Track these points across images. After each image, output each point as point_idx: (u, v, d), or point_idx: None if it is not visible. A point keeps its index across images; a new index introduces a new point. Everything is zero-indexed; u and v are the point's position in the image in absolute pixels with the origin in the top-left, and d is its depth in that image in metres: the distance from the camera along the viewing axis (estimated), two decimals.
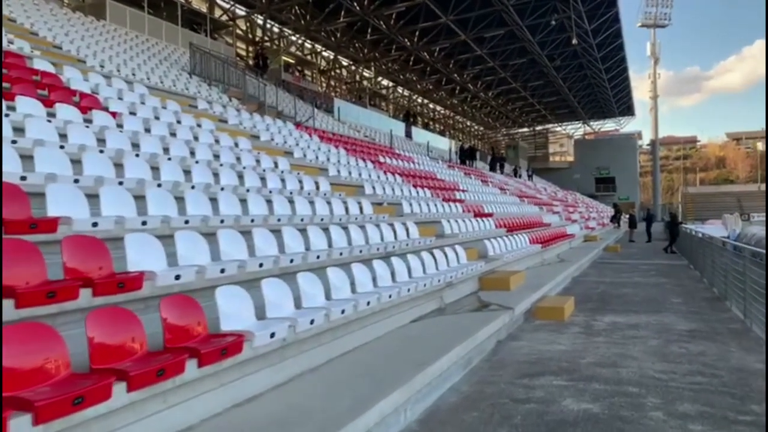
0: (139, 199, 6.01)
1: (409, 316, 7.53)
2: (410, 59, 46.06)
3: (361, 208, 10.60)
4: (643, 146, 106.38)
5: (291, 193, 9.46)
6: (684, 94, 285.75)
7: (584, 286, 13.94)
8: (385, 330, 6.71)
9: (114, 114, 9.47)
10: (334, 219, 8.99)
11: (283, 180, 9.99)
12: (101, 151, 7.39)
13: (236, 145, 11.59)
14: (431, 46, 42.43)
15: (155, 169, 7.55)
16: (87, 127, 8.03)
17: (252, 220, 7.06)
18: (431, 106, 64.37)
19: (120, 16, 25.88)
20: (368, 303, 5.98)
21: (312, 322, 4.93)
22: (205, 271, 4.99)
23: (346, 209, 10.08)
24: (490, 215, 17.78)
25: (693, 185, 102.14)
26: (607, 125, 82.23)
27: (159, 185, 6.85)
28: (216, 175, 8.42)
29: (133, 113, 10.39)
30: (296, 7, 37.28)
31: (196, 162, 8.70)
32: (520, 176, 49.33)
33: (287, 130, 16.56)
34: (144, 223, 5.56)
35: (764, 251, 8.41)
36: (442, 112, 66.81)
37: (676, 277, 15.81)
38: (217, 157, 9.77)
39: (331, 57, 46.33)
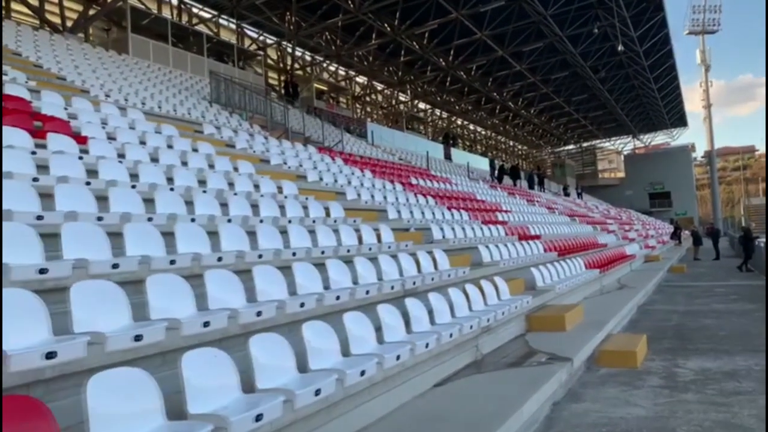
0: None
1: (432, 377, 5.69)
2: (447, 79, 44.54)
3: (378, 237, 8.86)
4: (698, 158, 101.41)
5: (290, 221, 7.83)
6: (738, 103, 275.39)
7: (654, 318, 11.74)
8: (394, 403, 4.89)
9: (85, 139, 8.08)
10: (340, 250, 7.27)
11: (282, 207, 8.37)
12: (87, 183, 6.08)
13: (235, 169, 10.09)
14: (467, 64, 40.82)
15: (149, 201, 6.21)
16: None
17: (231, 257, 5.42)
18: (471, 127, 62.55)
19: (143, 49, 25.28)
20: (362, 373, 4.18)
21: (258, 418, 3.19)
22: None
23: (359, 238, 8.36)
24: (537, 237, 15.75)
25: (755, 196, 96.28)
26: (659, 138, 78.55)
27: (150, 219, 5.65)
28: (189, 203, 6.84)
29: (112, 138, 9.02)
30: (326, 33, 36.44)
31: (170, 188, 7.17)
32: (568, 195, 46.75)
33: (307, 154, 15.07)
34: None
35: None
36: (483, 132, 64.86)
37: (763, 301, 13.37)
38: (202, 182, 8.24)
39: (366, 83, 45.29)
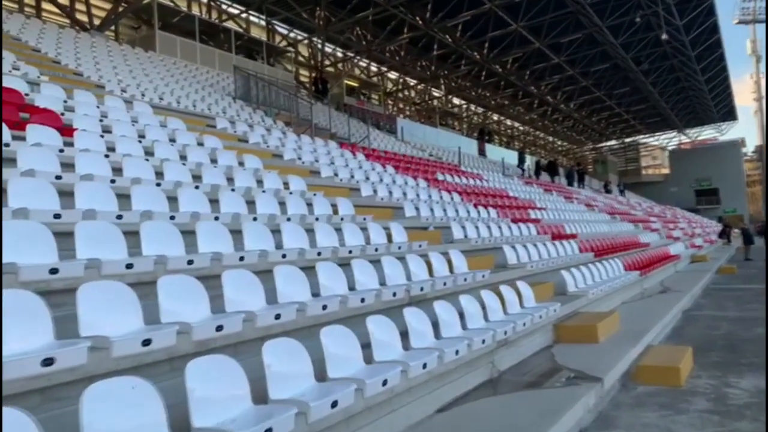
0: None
1: (433, 402, 4.88)
2: (481, 73, 43.28)
3: (388, 236, 8.07)
4: (748, 154, 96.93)
5: (289, 218, 7.12)
6: None
7: (701, 326, 10.62)
8: None
9: (72, 131, 7.54)
10: (341, 251, 6.52)
11: (282, 203, 7.66)
12: (58, 177, 5.51)
13: (240, 164, 9.45)
14: (503, 57, 39.52)
15: (124, 197, 5.73)
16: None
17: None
18: (508, 122, 61.06)
19: (170, 46, 25.08)
20: (333, 405, 3.41)
21: None
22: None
23: (367, 238, 7.59)
24: (572, 237, 14.71)
25: None
26: (706, 133, 75.28)
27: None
28: (173, 200, 6.19)
29: (108, 131, 8.48)
30: (357, 28, 35.78)
31: (157, 182, 6.55)
32: (610, 192, 44.97)
33: (326, 149, 14.38)
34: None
35: None
36: (521, 128, 63.25)
37: None
38: (197, 178, 7.60)
39: (398, 78, 44.49)
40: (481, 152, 39.56)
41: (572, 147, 75.19)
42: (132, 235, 4.81)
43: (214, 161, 8.99)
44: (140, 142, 8.45)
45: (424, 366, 4.41)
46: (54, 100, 8.90)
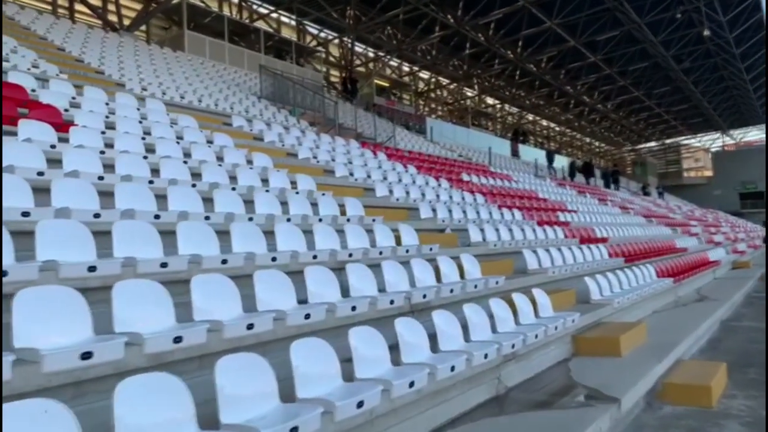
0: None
1: (425, 423, 4.42)
2: (515, 73, 42.42)
3: (397, 239, 7.63)
4: None
5: (289, 219, 6.74)
6: None
7: (739, 339, 9.86)
8: None
9: (67, 127, 7.32)
10: (339, 255, 6.11)
11: (284, 203, 7.30)
12: (40, 174, 5.40)
13: (249, 162, 9.14)
14: (537, 55, 38.60)
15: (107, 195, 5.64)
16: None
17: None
18: (544, 123, 59.83)
19: (199, 46, 25.12)
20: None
21: None
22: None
23: (372, 241, 7.17)
24: (602, 240, 14.01)
25: None
26: (751, 134, 72.31)
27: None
28: (162, 197, 5.87)
29: (111, 128, 8.26)
30: (388, 28, 35.40)
31: (149, 180, 6.26)
32: (648, 194, 43.55)
33: (345, 148, 14.01)
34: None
35: None
36: (557, 128, 61.91)
37: None
38: (196, 175, 7.30)
39: (431, 78, 43.94)
40: (515, 153, 38.74)
41: (610, 148, 73.31)
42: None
43: (220, 159, 8.70)
44: (144, 139, 8.20)
45: (411, 384, 3.96)
46: (60, 96, 8.74)
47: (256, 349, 3.83)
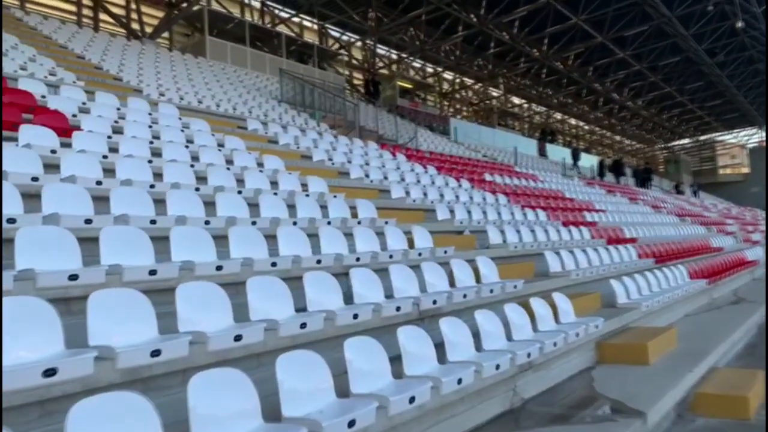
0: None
1: None
2: (542, 71, 41.69)
3: (410, 242, 7.31)
4: None
5: (295, 222, 6.48)
6: None
7: None
8: None
9: (70, 132, 7.20)
10: (346, 260, 5.82)
11: (292, 206, 7.05)
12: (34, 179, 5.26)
13: (260, 164, 8.93)
14: (563, 53, 37.81)
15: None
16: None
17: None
18: (573, 121, 58.76)
19: (220, 52, 25.19)
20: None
21: None
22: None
23: (383, 244, 6.87)
24: (631, 241, 13.46)
25: None
26: None
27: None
28: (160, 202, 5.66)
29: (118, 132, 8.13)
30: (411, 29, 35.11)
31: (150, 184, 6.07)
32: (682, 192, 42.32)
33: (362, 150, 13.75)
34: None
35: None
36: (586, 127, 60.75)
37: None
38: (202, 179, 7.10)
39: (455, 79, 43.46)
40: (542, 152, 38.03)
41: (642, 146, 71.68)
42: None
43: (229, 162, 8.50)
44: (152, 143, 8.05)
45: (411, 400, 3.64)
46: (69, 102, 8.65)
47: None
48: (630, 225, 15.73)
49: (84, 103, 9.09)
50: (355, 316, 4.60)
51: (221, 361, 3.58)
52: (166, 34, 27.55)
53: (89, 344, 3.24)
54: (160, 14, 26.04)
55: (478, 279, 6.85)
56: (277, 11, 31.96)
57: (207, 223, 5.61)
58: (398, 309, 5.05)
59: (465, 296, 5.94)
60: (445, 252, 7.33)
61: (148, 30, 24.64)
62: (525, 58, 38.98)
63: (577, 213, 14.99)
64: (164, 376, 3.42)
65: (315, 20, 33.48)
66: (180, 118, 10.52)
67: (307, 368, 3.54)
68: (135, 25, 24.98)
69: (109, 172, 6.23)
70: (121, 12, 25.52)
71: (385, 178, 11.22)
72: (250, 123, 12.41)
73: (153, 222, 5.16)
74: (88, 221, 4.73)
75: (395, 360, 4.17)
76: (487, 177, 16.26)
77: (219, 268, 4.66)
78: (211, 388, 2.98)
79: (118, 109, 9.56)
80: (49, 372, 2.79)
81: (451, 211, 9.94)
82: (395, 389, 3.74)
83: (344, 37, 35.69)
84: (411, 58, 37.73)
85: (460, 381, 4.09)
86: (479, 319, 5.11)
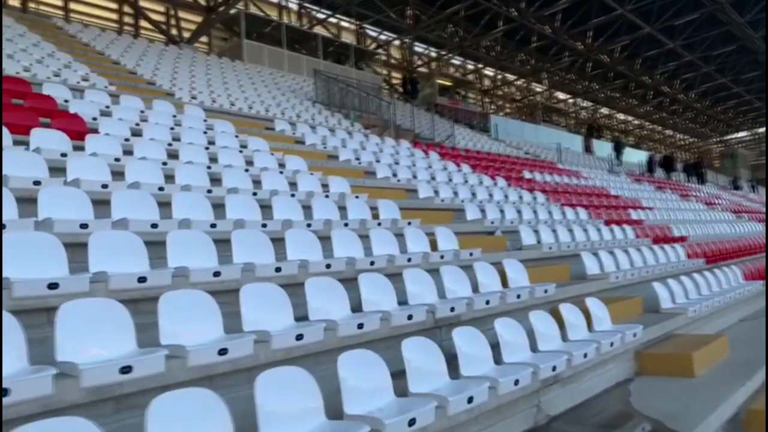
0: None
1: None
2: (586, 65, 40.43)
3: (433, 244, 6.91)
4: None
5: (310, 225, 6.17)
6: None
7: None
8: None
9: (83, 135, 7.09)
10: (360, 264, 5.47)
11: (308, 207, 6.75)
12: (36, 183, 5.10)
13: (281, 165, 8.68)
14: (609, 45, 36.56)
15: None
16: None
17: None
18: (621, 116, 56.89)
19: (258, 55, 25.27)
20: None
21: None
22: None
23: (402, 247, 6.49)
24: (680, 240, 12.67)
25: None
26: None
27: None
28: (166, 207, 5.44)
29: (137, 135, 8.01)
30: (450, 25, 34.56)
31: (159, 187, 5.87)
32: (739, 188, 40.29)
33: (393, 149, 13.37)
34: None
35: None
36: (635, 122, 58.74)
37: None
38: (216, 181, 6.87)
39: (496, 75, 42.62)
40: (588, 149, 36.84)
41: (695, 141, 68.88)
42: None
43: (249, 163, 8.27)
44: (170, 145, 7.89)
45: (412, 422, 3.25)
46: (91, 106, 8.60)
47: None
48: (680, 223, 14.87)
49: (107, 107, 9.03)
50: (360, 326, 4.24)
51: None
52: (205, 40, 27.92)
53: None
54: (199, 19, 26.36)
55: (505, 283, 6.39)
56: (314, 12, 31.93)
57: (213, 226, 5.35)
58: (410, 317, 4.67)
59: (488, 302, 5.50)
60: (471, 254, 6.89)
61: (187, 35, 24.93)
62: (569, 51, 37.88)
63: (622, 211, 14.24)
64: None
65: (353, 20, 33.31)
66: (205, 120, 10.40)
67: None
68: (174, 31, 25.33)
69: (118, 174, 6.05)
70: (161, 18, 25.92)
71: (414, 177, 10.83)
72: (277, 124, 12.22)
73: (155, 226, 4.92)
74: (84, 225, 4.54)
75: (398, 375, 3.80)
76: (526, 175, 15.65)
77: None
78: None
79: (142, 111, 9.47)
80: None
81: (482, 211, 9.47)
82: (394, 409, 3.37)
83: (382, 37, 35.40)
84: (450, 55, 37.11)
85: (470, 400, 3.68)
86: (499, 329, 4.68)
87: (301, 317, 4.31)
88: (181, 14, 26.39)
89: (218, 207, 5.89)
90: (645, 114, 55.61)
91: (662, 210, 16.73)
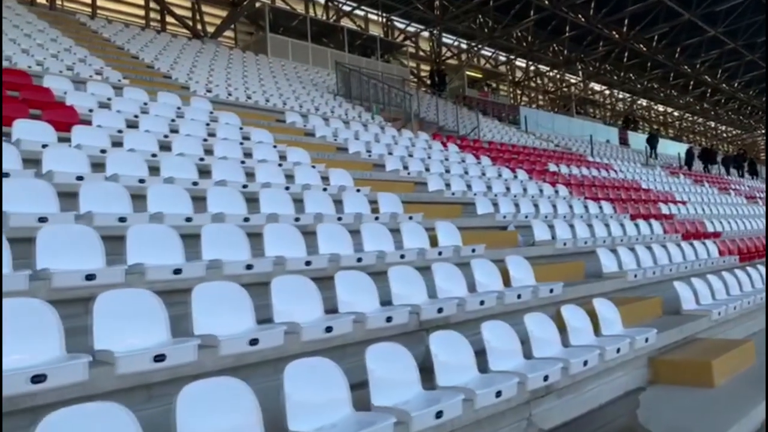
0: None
1: None
2: (623, 54, 39.11)
3: (433, 240, 6.49)
4: None
5: (298, 219, 5.82)
6: None
7: None
8: None
9: (69, 126, 6.89)
10: (345, 261, 5.10)
11: (299, 201, 6.41)
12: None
13: (282, 157, 8.37)
14: (646, 34, 35.20)
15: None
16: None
17: None
18: (660, 108, 55.04)
19: (282, 49, 25.07)
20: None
21: None
22: None
23: (398, 243, 6.10)
24: (714, 235, 11.92)
25: None
26: None
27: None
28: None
29: (133, 126, 7.80)
30: (480, 16, 33.80)
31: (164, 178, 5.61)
32: None
33: (410, 142, 12.95)
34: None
35: None
36: (675, 113, 56.76)
37: None
38: (205, 173, 6.59)
39: (529, 66, 41.61)
40: (623, 141, 35.66)
41: (740, 133, 66.25)
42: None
43: (248, 155, 7.98)
44: (166, 137, 7.66)
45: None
46: (89, 98, 8.43)
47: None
48: (715, 218, 14.07)
49: (109, 99, 8.85)
50: (329, 329, 3.87)
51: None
52: (232, 35, 27.89)
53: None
54: (225, 14, 26.31)
55: (507, 282, 5.94)
56: (340, 5, 31.61)
57: (189, 220, 5.05)
58: (389, 320, 4.28)
59: (482, 303, 5.07)
60: (473, 251, 6.45)
61: (211, 30, 24.89)
62: (604, 41, 36.68)
63: (651, 205, 13.52)
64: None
65: (380, 12, 32.88)
66: (211, 112, 10.17)
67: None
68: (199, 27, 25.31)
69: (98, 166, 5.82)
70: (187, 14, 25.94)
71: (427, 170, 10.40)
72: (288, 116, 11.94)
73: (122, 219, 4.65)
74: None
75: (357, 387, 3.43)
76: (551, 167, 15.03)
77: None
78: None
79: (145, 103, 9.28)
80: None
81: (495, 205, 9.00)
82: (351, 425, 3.00)
83: (410, 29, 34.87)
84: (480, 46, 36.33)
85: (439, 414, 3.27)
86: (486, 333, 4.25)
87: (265, 320, 3.97)
88: (207, 9, 26.37)
89: (198, 200, 5.59)
90: (686, 105, 53.65)
91: (697, 204, 15.89)
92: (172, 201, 5.30)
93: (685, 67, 42.12)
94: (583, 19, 33.04)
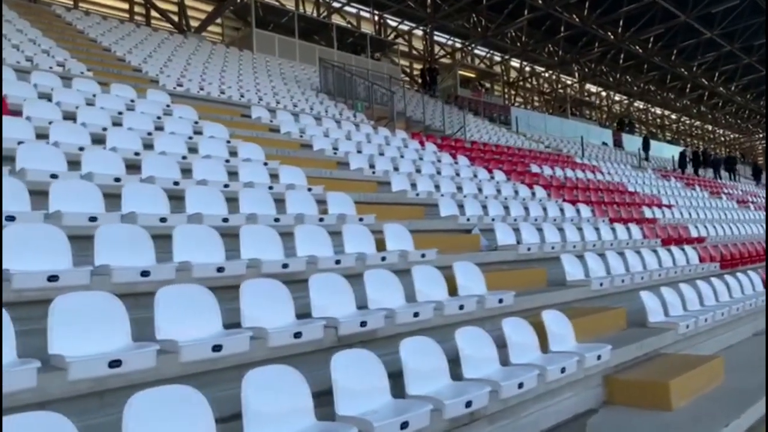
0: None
1: None
2: (619, 56, 38.67)
3: (380, 243, 6.01)
4: None
5: (226, 220, 5.34)
6: None
7: None
8: None
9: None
10: (265, 266, 4.62)
11: (235, 201, 5.92)
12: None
13: (232, 153, 7.89)
14: (642, 35, 34.74)
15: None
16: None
17: None
18: (657, 111, 54.58)
19: (268, 45, 24.59)
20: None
21: None
22: None
23: (341, 246, 5.62)
24: (697, 241, 11.46)
25: None
26: None
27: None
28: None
29: (70, 118, 7.32)
30: (473, 15, 33.35)
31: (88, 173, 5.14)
32: None
33: (384, 140, 12.46)
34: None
35: None
36: (672, 116, 56.30)
37: None
38: (132, 168, 6.11)
39: (523, 67, 41.16)
40: (617, 143, 35.17)
41: (738, 136, 65.81)
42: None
43: (193, 150, 7.49)
44: (105, 130, 7.16)
45: None
46: (27, 89, 7.94)
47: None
48: (701, 222, 13.59)
49: (52, 89, 8.35)
50: (216, 348, 3.39)
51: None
52: (219, 30, 27.43)
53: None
54: (207, 7, 25.84)
55: (452, 291, 5.45)
56: (331, 1, 31.14)
57: (93, 219, 4.57)
58: (297, 336, 3.80)
59: (416, 315, 4.59)
60: (423, 256, 5.97)
61: (196, 25, 24.43)
62: (599, 41, 36.23)
63: (635, 208, 13.05)
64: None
65: (372, 10, 32.42)
66: (168, 105, 9.68)
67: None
68: (185, 21, 24.83)
69: (8, 159, 5.34)
70: (172, 8, 25.47)
71: (396, 169, 9.92)
72: (254, 111, 11.45)
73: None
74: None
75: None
76: (534, 168, 14.54)
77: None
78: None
79: (94, 95, 8.79)
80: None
81: (460, 207, 8.51)
82: None
83: (403, 27, 34.41)
84: (473, 45, 35.88)
85: None
86: (404, 353, 3.76)
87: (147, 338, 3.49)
88: (194, 4, 25.95)
89: (114, 197, 5.11)
90: (683, 108, 53.23)
91: (684, 208, 15.41)
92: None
93: (682, 69, 41.70)
94: (577, 20, 32.60)
